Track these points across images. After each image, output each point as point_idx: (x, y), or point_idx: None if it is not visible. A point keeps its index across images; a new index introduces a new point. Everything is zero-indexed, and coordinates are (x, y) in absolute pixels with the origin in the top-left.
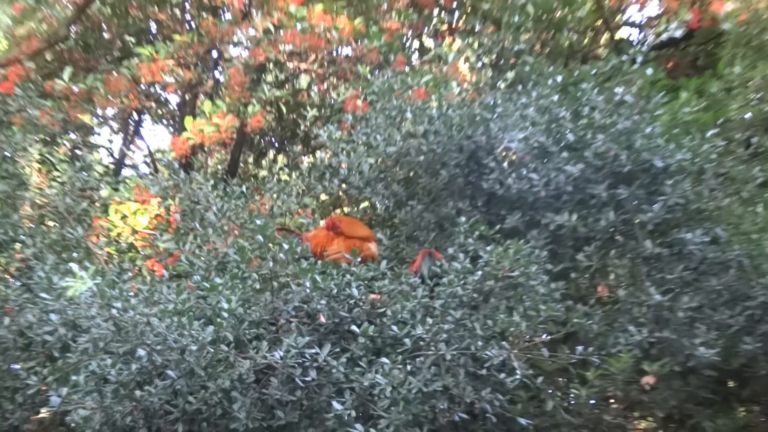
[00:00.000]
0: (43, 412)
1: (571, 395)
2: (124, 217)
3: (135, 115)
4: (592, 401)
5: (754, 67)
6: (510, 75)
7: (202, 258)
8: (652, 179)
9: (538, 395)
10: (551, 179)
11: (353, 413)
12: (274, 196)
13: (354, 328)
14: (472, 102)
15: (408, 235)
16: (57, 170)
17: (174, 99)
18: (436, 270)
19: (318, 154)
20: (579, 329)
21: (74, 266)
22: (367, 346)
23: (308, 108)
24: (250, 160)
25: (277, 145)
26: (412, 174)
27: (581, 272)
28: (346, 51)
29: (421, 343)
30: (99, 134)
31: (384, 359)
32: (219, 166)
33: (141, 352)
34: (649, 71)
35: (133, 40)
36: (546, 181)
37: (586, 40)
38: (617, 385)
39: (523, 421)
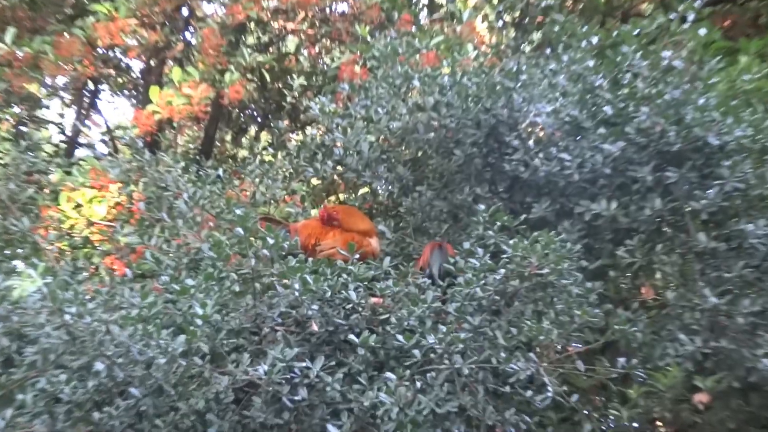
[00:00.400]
0: None
1: (611, 416)
2: (77, 206)
3: (91, 85)
4: (636, 424)
5: None
6: (536, 36)
7: (171, 254)
8: (706, 160)
9: (571, 416)
10: (586, 160)
11: None
12: (257, 180)
13: (352, 337)
14: (492, 68)
15: (416, 227)
16: None
17: (137, 65)
18: (449, 267)
19: (308, 130)
20: (620, 338)
21: (19, 264)
22: (367, 359)
23: (296, 76)
24: (228, 137)
25: (259, 120)
26: (420, 154)
27: (622, 270)
28: (342, 8)
29: (433, 355)
30: (48, 107)
31: (388, 374)
32: (191, 145)
33: (99, 366)
34: (703, 31)
35: None
36: (580, 163)
37: None
38: (665, 404)
39: None
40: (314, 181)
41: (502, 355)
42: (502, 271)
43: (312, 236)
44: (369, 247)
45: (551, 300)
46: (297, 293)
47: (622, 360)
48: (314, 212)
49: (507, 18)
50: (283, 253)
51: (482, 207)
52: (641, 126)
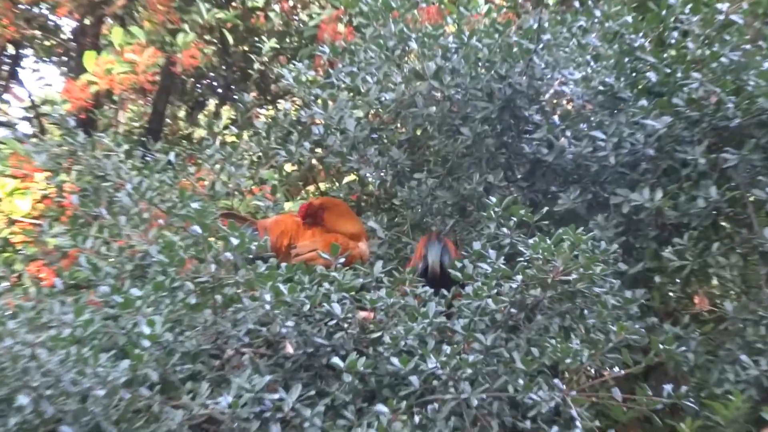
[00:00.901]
0: None
1: None
2: None
3: (11, 50)
4: None
5: None
6: None
7: (112, 260)
8: None
9: None
10: (624, 139)
11: None
12: (217, 167)
13: (336, 361)
14: (507, 26)
15: (414, 223)
16: None
17: (68, 25)
18: (449, 262)
19: (281, 104)
20: (667, 360)
21: None
22: (355, 388)
23: (265, 37)
24: (181, 114)
25: (220, 91)
26: (419, 133)
27: (670, 275)
28: None
29: (435, 382)
30: None
31: (380, 407)
32: (135, 124)
33: (23, 399)
34: None
35: None
36: (616, 142)
37: None
38: None
39: None
40: (288, 168)
41: (521, 381)
42: (520, 277)
43: (285, 235)
44: (356, 249)
45: (581, 313)
46: (268, 306)
47: (669, 387)
48: (288, 206)
49: None
50: (251, 256)
51: (495, 199)
52: (692, 96)
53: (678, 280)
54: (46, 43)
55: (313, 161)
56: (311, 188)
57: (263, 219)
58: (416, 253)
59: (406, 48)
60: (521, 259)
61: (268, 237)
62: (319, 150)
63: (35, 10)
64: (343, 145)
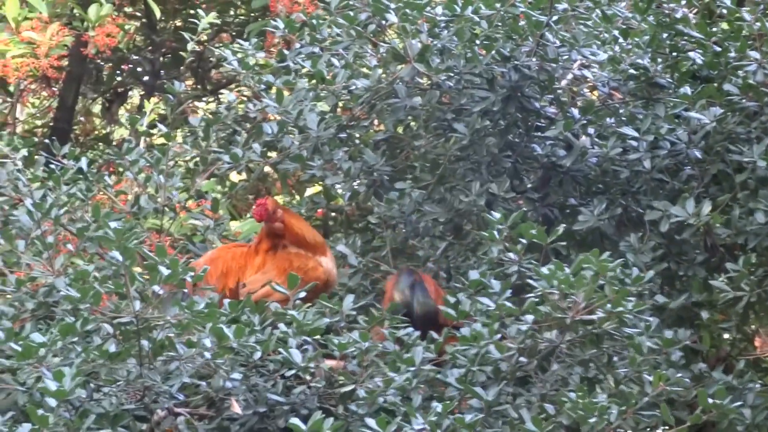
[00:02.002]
0: None
1: None
2: None
3: None
4: None
5: None
6: None
7: (8, 296)
8: None
9: None
10: (662, 137)
11: None
12: (142, 176)
13: (296, 423)
14: None
15: (396, 247)
16: None
17: None
18: (426, 300)
19: (224, 95)
20: (719, 417)
21: None
22: None
23: (203, 9)
24: (96, 109)
25: (146, 79)
26: (400, 130)
27: (721, 310)
28: None
29: None
30: None
31: None
32: (38, 122)
33: None
34: None
35: None
36: (652, 141)
37: None
38: None
39: None
40: (234, 176)
41: None
42: (531, 317)
43: (229, 275)
44: (318, 270)
45: (609, 360)
46: (208, 354)
47: None
48: (235, 225)
49: None
50: (184, 291)
51: (497, 215)
52: (749, 81)
53: (732, 317)
54: None
55: (266, 168)
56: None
57: (203, 245)
58: (388, 287)
59: (383, 22)
60: (533, 292)
61: (207, 267)
62: (272, 154)
63: None
64: (302, 148)
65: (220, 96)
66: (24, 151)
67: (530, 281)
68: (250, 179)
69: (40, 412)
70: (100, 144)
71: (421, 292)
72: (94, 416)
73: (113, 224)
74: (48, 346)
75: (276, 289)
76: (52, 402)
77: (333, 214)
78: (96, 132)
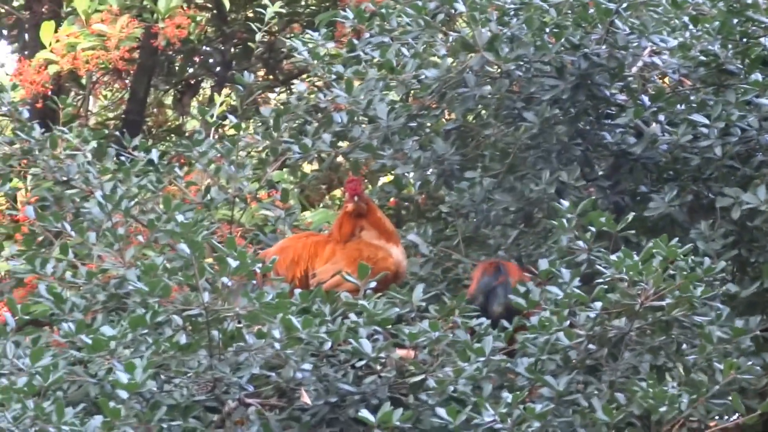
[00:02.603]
0: None
1: None
2: None
3: None
4: None
5: None
6: None
7: (79, 288)
8: None
9: None
10: (733, 123)
11: None
12: (212, 167)
13: (365, 414)
14: None
15: (467, 236)
16: None
17: None
18: (508, 298)
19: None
20: None
21: None
22: None
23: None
24: (168, 100)
25: (217, 70)
26: (470, 119)
27: None
28: None
29: None
30: None
31: None
32: (110, 114)
33: None
34: None
35: None
36: (723, 128)
37: None
38: None
39: None
40: (306, 167)
41: None
42: (600, 304)
43: (298, 264)
44: (387, 261)
45: (679, 348)
46: (277, 345)
47: None
48: (307, 215)
49: None
50: (254, 282)
51: (567, 203)
52: None
53: None
54: None
55: (338, 159)
56: (337, 193)
57: (273, 236)
58: (473, 280)
59: (452, 11)
60: (603, 278)
61: (276, 258)
62: (342, 143)
63: None
64: (372, 137)
65: (291, 86)
66: (94, 143)
67: (601, 267)
68: (321, 169)
69: (112, 404)
70: (172, 135)
71: (502, 291)
72: (165, 407)
73: (180, 217)
74: (118, 339)
75: (347, 279)
76: (123, 394)
77: (405, 203)
78: (168, 123)
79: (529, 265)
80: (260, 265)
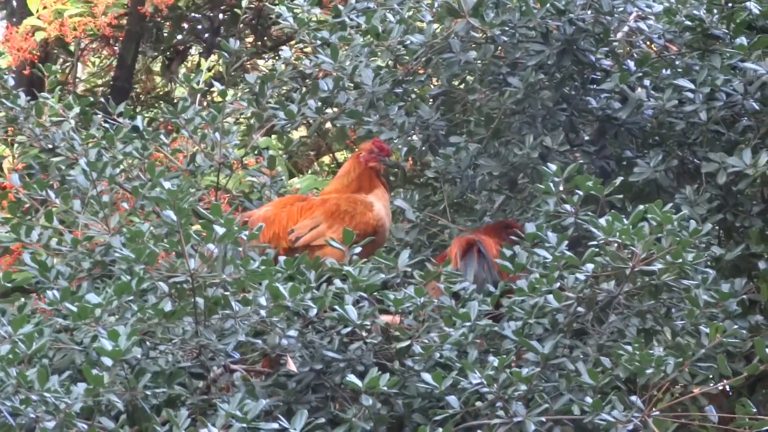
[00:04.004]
0: None
1: None
2: None
3: None
4: None
5: None
6: None
7: (64, 255)
8: None
9: None
10: (718, 88)
11: None
12: (198, 133)
13: (352, 379)
14: None
15: (453, 201)
16: None
17: None
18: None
19: (280, 52)
20: None
21: None
22: (377, 414)
23: None
24: (157, 67)
25: (206, 37)
26: (455, 85)
27: None
28: None
29: (480, 403)
30: None
31: None
32: (99, 81)
33: None
34: None
35: None
36: (709, 93)
37: None
38: None
39: None
40: (293, 134)
41: (589, 400)
42: (588, 266)
43: (283, 235)
44: (366, 215)
45: (666, 312)
46: (263, 312)
47: None
48: (294, 182)
49: None
50: (240, 249)
51: (554, 167)
52: None
53: None
54: None
55: (326, 125)
56: (326, 159)
57: (259, 202)
58: (452, 250)
59: None
60: (590, 243)
61: (261, 226)
62: (329, 110)
63: None
64: (358, 103)
65: (279, 53)
66: (77, 110)
67: (590, 231)
68: (309, 136)
69: (96, 371)
70: (161, 102)
71: (488, 271)
72: (150, 374)
73: (166, 184)
74: (104, 306)
75: (331, 244)
76: (107, 361)
77: (391, 169)
78: (156, 90)
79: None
80: (245, 231)
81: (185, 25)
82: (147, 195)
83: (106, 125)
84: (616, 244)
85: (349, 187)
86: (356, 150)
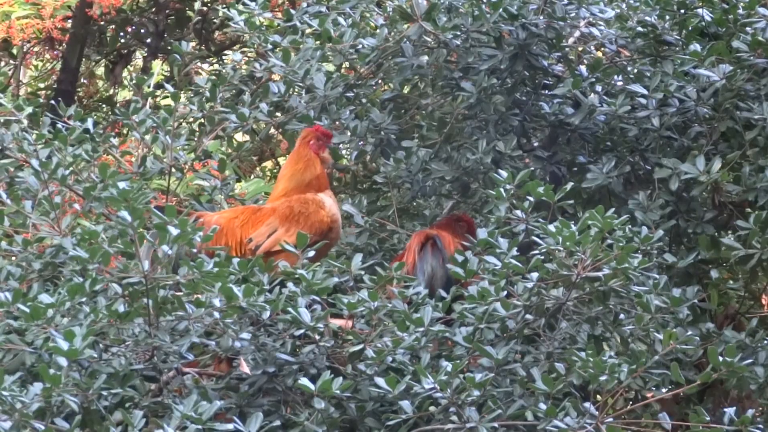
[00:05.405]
0: None
1: None
2: None
3: None
4: None
5: None
6: None
7: (15, 257)
8: None
9: None
10: (670, 94)
11: None
12: (148, 136)
13: (305, 382)
14: None
15: (403, 207)
16: None
17: None
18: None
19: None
20: (728, 376)
21: None
22: (329, 417)
23: None
24: (100, 71)
25: (150, 41)
26: (407, 89)
27: (731, 269)
28: None
29: (433, 408)
30: None
31: None
32: (41, 84)
33: None
34: None
35: None
36: (661, 99)
37: None
38: None
39: None
40: (240, 137)
41: (542, 406)
42: (536, 274)
43: (239, 230)
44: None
45: (616, 318)
46: (217, 314)
47: (731, 411)
48: (240, 186)
49: None
50: (194, 250)
51: (505, 173)
52: (758, 38)
53: (741, 275)
54: None
55: (273, 129)
56: (269, 164)
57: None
58: (408, 256)
59: None
60: (540, 249)
61: (216, 228)
62: (278, 114)
63: None
64: (309, 107)
65: (224, 57)
66: (29, 110)
67: (536, 238)
68: (256, 140)
69: (51, 372)
70: (104, 106)
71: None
72: (104, 376)
73: (121, 184)
74: (56, 307)
75: (287, 248)
76: (62, 361)
77: (340, 173)
78: (99, 94)
79: (466, 235)
80: (200, 234)
81: (129, 29)
82: (99, 196)
83: (58, 126)
84: (563, 251)
85: (309, 186)
86: (302, 137)
